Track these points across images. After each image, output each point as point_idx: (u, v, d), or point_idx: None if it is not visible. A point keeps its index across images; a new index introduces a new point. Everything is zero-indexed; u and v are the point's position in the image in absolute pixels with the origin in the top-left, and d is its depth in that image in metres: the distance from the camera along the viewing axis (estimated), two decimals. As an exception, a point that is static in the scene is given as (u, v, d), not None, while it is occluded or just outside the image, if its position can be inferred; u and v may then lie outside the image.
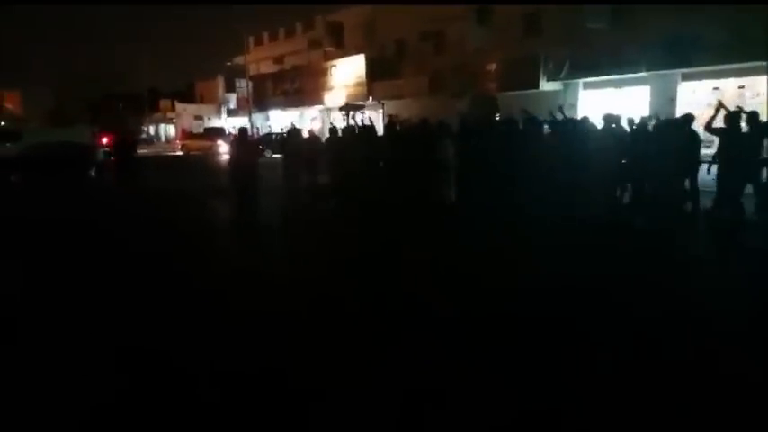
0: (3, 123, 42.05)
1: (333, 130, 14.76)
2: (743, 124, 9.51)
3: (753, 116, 9.54)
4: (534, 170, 10.52)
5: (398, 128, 15.11)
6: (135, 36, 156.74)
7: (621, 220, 10.05)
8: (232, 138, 12.23)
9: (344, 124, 19.71)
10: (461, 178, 11.85)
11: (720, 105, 9.77)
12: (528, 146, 10.91)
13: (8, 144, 21.06)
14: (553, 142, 11.10)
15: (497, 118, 13.66)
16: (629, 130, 10.88)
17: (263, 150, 16.87)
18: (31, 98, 64.21)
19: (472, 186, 11.51)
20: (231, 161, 11.27)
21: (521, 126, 11.59)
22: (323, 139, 15.63)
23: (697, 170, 9.85)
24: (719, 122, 9.53)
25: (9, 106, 52.31)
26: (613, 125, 10.73)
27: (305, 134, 15.51)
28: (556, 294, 6.12)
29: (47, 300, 6.36)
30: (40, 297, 6.49)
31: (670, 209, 9.74)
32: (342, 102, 33.68)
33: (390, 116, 19.88)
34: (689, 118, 10.10)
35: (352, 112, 28.61)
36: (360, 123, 14.83)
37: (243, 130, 12.15)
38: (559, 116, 11.47)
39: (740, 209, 9.22)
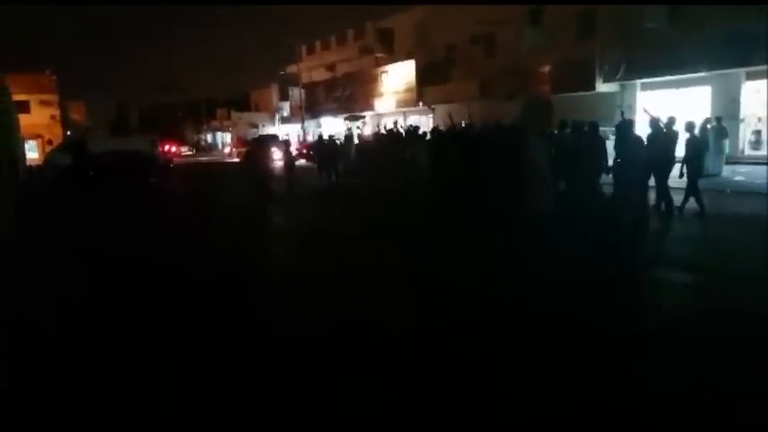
0: (69, 133, 44.01)
1: (347, 137, 17.85)
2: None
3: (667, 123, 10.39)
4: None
5: (395, 131, 17.55)
6: (193, 46, 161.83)
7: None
8: (252, 143, 14.64)
9: (347, 132, 22.89)
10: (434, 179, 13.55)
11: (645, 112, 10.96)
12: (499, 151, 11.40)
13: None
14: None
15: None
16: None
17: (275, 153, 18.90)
18: (95, 108, 67.13)
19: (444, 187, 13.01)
20: (250, 161, 13.42)
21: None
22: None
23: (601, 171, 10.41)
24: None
25: (74, 116, 54.77)
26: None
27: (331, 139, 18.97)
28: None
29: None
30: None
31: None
32: (392, 107, 33.92)
33: (395, 123, 21.81)
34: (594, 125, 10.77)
35: (352, 122, 31.31)
36: (357, 131, 18.12)
37: (261, 138, 13.72)
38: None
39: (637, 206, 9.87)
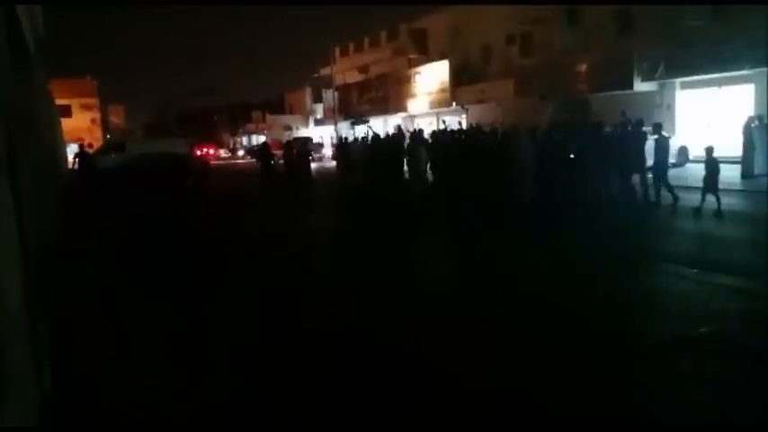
0: (108, 135, 45.12)
1: (355, 139, 21.94)
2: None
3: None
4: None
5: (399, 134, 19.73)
6: (228, 50, 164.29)
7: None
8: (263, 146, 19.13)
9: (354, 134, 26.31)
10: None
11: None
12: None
13: (113, 154, 22.62)
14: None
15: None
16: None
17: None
18: (133, 111, 68.73)
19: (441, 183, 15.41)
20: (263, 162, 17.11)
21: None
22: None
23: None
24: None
25: (114, 119, 56.15)
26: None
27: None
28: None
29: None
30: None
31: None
32: (426, 108, 33.80)
33: (399, 127, 24.06)
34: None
35: (359, 125, 34.09)
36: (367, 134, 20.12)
37: (289, 142, 18.54)
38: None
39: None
